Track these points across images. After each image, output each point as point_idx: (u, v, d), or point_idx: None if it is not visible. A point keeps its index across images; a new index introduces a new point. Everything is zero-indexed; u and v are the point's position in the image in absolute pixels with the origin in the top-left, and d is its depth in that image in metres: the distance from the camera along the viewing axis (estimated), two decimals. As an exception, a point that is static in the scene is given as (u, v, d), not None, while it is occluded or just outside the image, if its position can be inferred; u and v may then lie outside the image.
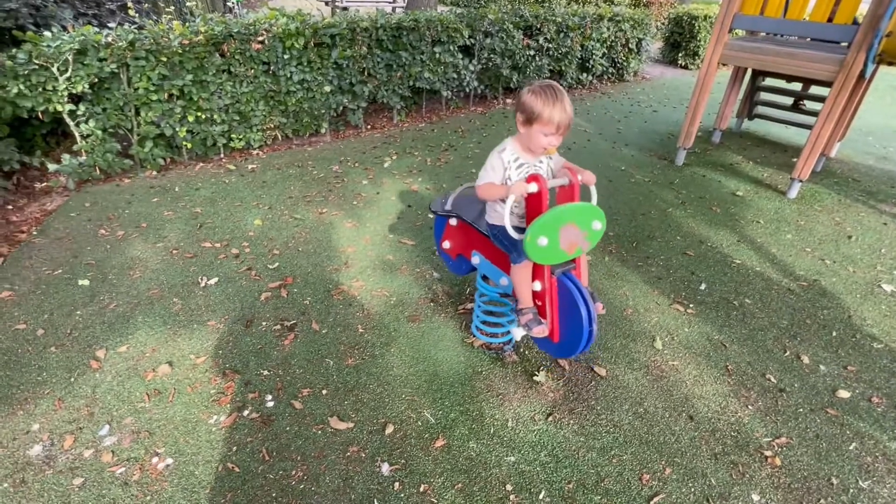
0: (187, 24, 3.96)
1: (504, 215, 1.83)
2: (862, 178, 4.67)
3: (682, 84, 8.22)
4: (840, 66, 3.62)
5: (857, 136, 5.90)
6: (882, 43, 3.40)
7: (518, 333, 2.17)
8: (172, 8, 5.31)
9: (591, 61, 7.20)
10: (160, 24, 3.88)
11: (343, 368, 2.25)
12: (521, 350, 2.41)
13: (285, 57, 4.22)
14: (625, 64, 7.91)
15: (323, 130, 4.86)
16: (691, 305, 2.80)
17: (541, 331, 1.99)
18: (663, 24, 10.05)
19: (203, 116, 4.01)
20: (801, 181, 4.09)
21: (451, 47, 5.32)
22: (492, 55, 5.80)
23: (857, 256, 3.36)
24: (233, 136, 4.28)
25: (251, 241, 3.17)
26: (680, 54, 9.49)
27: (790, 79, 5.15)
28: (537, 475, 1.83)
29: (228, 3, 6.16)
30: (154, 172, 3.97)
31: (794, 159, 4.13)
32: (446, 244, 2.55)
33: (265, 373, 2.20)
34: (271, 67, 4.22)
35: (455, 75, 5.57)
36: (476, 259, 2.36)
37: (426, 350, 2.38)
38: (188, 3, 5.56)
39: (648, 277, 3.03)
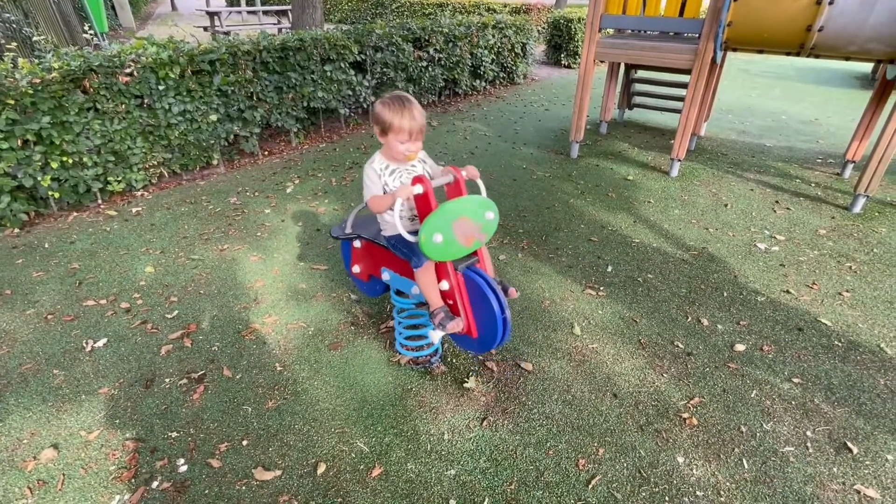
0: (38, 60, 3.54)
1: (395, 222, 1.83)
2: (728, 152, 5.24)
3: (567, 82, 8.77)
4: (695, 55, 4.04)
5: (720, 115, 6.63)
6: (725, 32, 3.84)
7: (436, 336, 2.14)
8: (15, 44, 4.72)
9: (482, 67, 7.46)
10: (2, 62, 3.42)
11: (263, 413, 2.09)
12: (448, 359, 2.39)
13: (160, 88, 3.91)
14: (514, 68, 8.28)
15: (215, 162, 4.56)
16: (602, 288, 2.95)
17: (456, 325, 1.98)
18: (543, 28, 10.69)
19: (70, 161, 3.59)
20: (679, 160, 4.50)
21: (342, 64, 5.25)
22: (385, 69, 5.81)
23: (733, 222, 3.75)
24: (110, 178, 3.87)
25: (143, 292, 2.87)
26: (562, 55, 10.13)
27: (658, 69, 5.67)
28: (479, 483, 1.81)
29: (86, 35, 5.60)
30: (16, 230, 3.49)
31: (672, 141, 4.54)
32: (356, 268, 2.48)
33: (174, 435, 1.98)
34: (145, 100, 3.89)
35: (350, 92, 5.50)
36: (386, 275, 2.31)
37: (352, 377, 2.28)
38: (35, 38, 4.98)
39: (560, 267, 3.16)
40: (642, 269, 3.14)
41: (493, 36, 7.46)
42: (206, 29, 11.73)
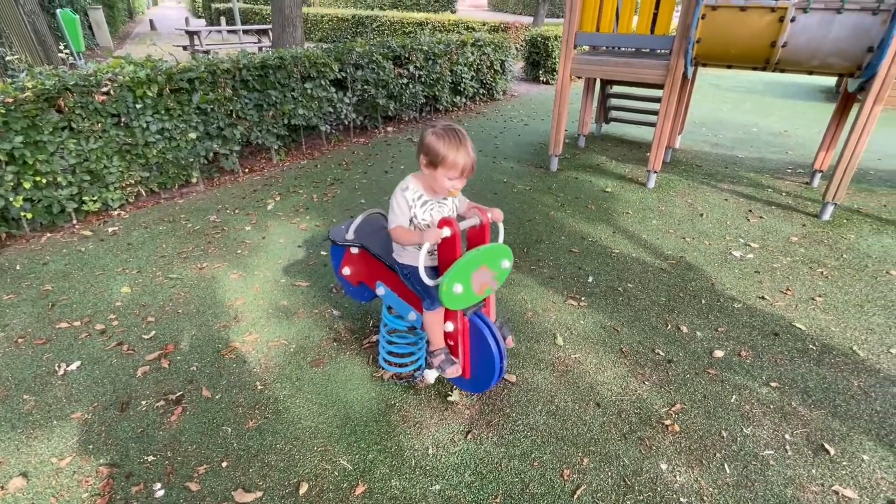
0: (10, 80, 3.49)
1: (418, 258, 1.79)
2: (703, 163, 5.38)
3: (546, 98, 8.94)
4: (667, 70, 4.17)
5: (693, 128, 6.82)
6: (695, 48, 3.97)
7: (431, 376, 2.16)
8: (-13, 64, 4.66)
9: (462, 84, 7.57)
10: (-27, 82, 3.37)
11: (244, 433, 2.05)
12: (433, 373, 2.38)
13: (138, 107, 3.88)
14: (493, 84, 8.42)
15: (194, 179, 4.52)
16: (583, 298, 2.98)
17: (454, 371, 2.02)
18: (521, 45, 10.92)
19: (43, 181, 3.53)
20: (655, 172, 4.60)
21: (323, 82, 5.28)
22: (366, 86, 5.86)
23: (709, 231, 3.84)
24: (85, 198, 3.80)
25: (119, 313, 2.81)
26: (540, 71, 10.35)
27: (633, 84, 5.82)
28: (464, 497, 1.79)
29: (62, 55, 5.54)
30: (-14, 252, 3.40)
31: (648, 154, 4.65)
32: (346, 270, 2.45)
33: (150, 458, 1.93)
34: (122, 119, 3.85)
35: (331, 109, 5.53)
36: (381, 290, 2.30)
37: (335, 393, 2.26)
38: (8, 58, 4.91)
39: (542, 279, 3.18)
40: (622, 278, 3.19)
41: (473, 53, 7.59)
42: (185, 48, 11.73)
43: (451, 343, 2.05)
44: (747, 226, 3.93)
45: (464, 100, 7.82)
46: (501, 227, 2.02)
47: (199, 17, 26.32)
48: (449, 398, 2.22)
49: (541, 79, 10.39)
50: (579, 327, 2.72)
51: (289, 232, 3.76)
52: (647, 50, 5.17)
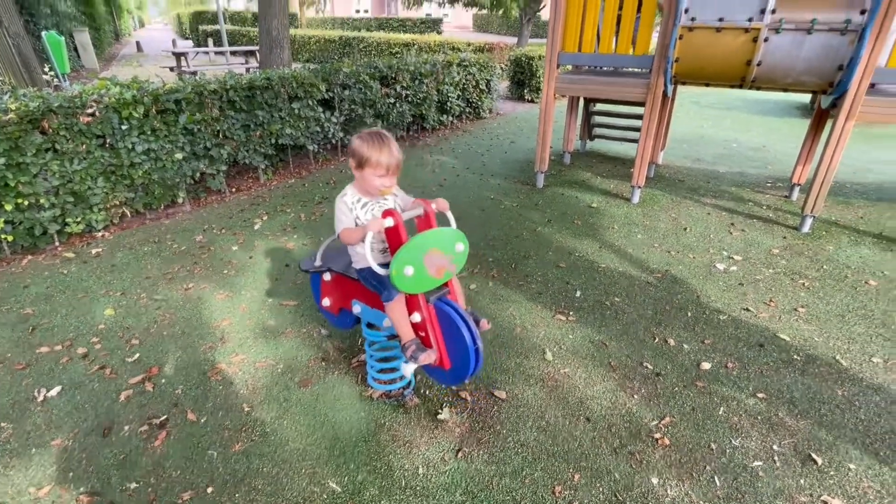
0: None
1: (366, 255, 1.84)
2: (685, 179, 5.49)
3: (531, 116, 9.09)
4: (647, 89, 4.28)
5: (675, 144, 6.97)
6: (674, 67, 4.09)
7: (408, 369, 2.12)
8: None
9: (449, 103, 7.67)
10: (-45, 105, 3.34)
11: (230, 457, 2.01)
12: (422, 391, 2.37)
13: (124, 128, 3.87)
14: (479, 103, 8.55)
15: (181, 200, 4.49)
16: (571, 313, 3.00)
17: (428, 356, 1.96)
18: (506, 65, 11.13)
19: (25, 203, 3.48)
20: (639, 187, 4.68)
21: (310, 102, 5.32)
22: (353, 106, 5.91)
23: (693, 244, 3.90)
24: (68, 220, 3.76)
25: (102, 336, 2.75)
26: (525, 90, 10.54)
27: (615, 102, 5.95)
28: (455, 518, 1.77)
29: (47, 77, 5.52)
30: (-35, 276, 3.32)
31: (632, 170, 4.73)
32: (326, 301, 2.46)
33: (132, 486, 1.88)
34: (107, 140, 3.83)
35: (319, 129, 5.56)
36: (357, 308, 2.30)
37: (323, 414, 2.23)
38: (-8, 80, 4.90)
39: (530, 294, 3.20)
40: (609, 292, 3.22)
41: (458, 73, 7.72)
42: (172, 69, 11.75)
43: (423, 334, 2.02)
44: (730, 239, 4.00)
45: (450, 118, 7.92)
46: (451, 216, 2.06)
47: (187, 38, 26.48)
48: (439, 416, 2.20)
49: (526, 97, 10.57)
50: (568, 342, 2.73)
51: (276, 251, 3.75)
52: (629, 69, 5.31)
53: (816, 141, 4.61)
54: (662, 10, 4.12)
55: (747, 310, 3.03)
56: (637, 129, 5.77)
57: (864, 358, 2.60)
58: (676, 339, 2.76)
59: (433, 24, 28.85)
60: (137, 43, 20.38)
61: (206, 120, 4.40)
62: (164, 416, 2.20)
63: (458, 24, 40.63)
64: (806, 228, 4.13)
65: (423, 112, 7.17)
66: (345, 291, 2.35)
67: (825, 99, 4.07)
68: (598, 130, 6.60)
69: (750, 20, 3.67)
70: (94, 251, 3.71)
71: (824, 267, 3.56)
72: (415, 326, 2.02)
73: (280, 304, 3.06)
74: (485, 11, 18.29)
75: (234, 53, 14.09)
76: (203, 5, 33.22)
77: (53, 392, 2.34)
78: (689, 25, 3.86)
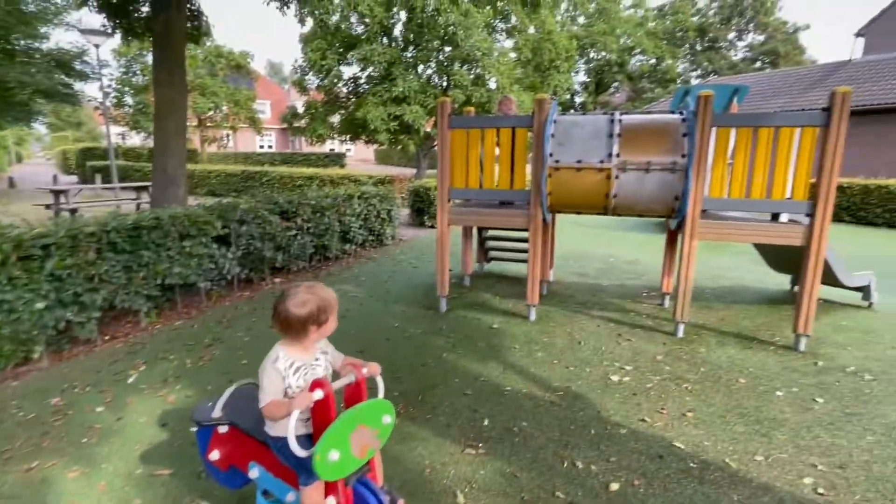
0: None
1: (289, 437, 1.65)
2: (574, 293, 5.96)
3: (433, 241, 9.56)
4: (528, 218, 4.78)
5: (562, 261, 7.66)
6: (548, 199, 4.66)
7: None
8: None
9: (352, 233, 7.89)
10: None
11: None
12: (320, 566, 2.05)
13: (-30, 279, 3.42)
14: (382, 231, 8.90)
15: (36, 355, 3.90)
16: (480, 445, 2.91)
17: None
18: (405, 196, 11.94)
19: None
20: (534, 306, 4.98)
21: (203, 239, 5.17)
22: (251, 240, 5.84)
23: (588, 358, 4.11)
24: None
25: None
26: (425, 217, 11.23)
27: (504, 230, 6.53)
28: None
29: None
30: None
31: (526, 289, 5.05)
32: (214, 454, 2.15)
33: None
34: (-53, 294, 3.34)
35: (213, 265, 5.35)
36: (255, 472, 2.04)
37: None
38: None
39: (438, 428, 3.08)
40: (516, 416, 3.20)
41: (360, 205, 8.09)
42: (48, 206, 10.96)
43: None
44: (619, 349, 4.29)
45: (354, 247, 8.08)
46: (381, 380, 1.99)
47: (72, 174, 25.28)
48: None
49: (426, 223, 11.23)
50: (479, 479, 2.61)
51: (152, 408, 3.30)
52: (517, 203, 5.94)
53: (674, 254, 5.34)
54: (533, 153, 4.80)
55: (643, 420, 3.16)
56: (527, 251, 6.30)
57: (747, 457, 2.77)
58: (584, 461, 2.75)
59: (337, 158, 30.60)
60: (10, 179, 19.01)
61: (78, 264, 4.05)
62: None
63: (361, 157, 43.64)
64: (680, 333, 4.58)
65: (326, 242, 7.26)
66: (243, 450, 2.09)
67: (672, 222, 4.82)
68: (493, 253, 7.10)
69: (602, 162, 4.38)
70: None
71: (701, 369, 3.90)
72: None
73: (151, 476, 2.62)
74: (385, 146, 19.96)
75: (124, 188, 13.59)
76: (95, 142, 32.53)
77: None
78: (555, 166, 4.51)
